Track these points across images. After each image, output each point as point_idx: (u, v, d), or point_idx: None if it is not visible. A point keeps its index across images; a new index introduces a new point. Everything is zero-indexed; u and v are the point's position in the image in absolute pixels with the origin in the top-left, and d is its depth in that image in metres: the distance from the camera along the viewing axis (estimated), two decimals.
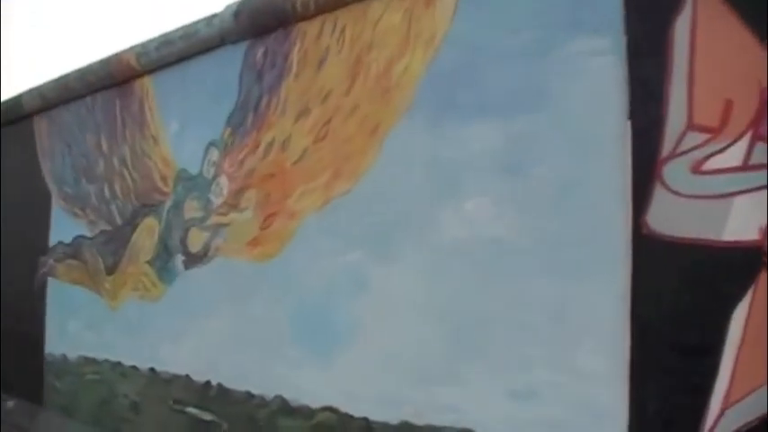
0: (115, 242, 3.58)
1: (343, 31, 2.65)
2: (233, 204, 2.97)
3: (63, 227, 3.96)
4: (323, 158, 2.66)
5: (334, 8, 2.68)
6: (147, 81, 3.47)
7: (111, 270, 3.60)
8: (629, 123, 1.94)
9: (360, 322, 2.51)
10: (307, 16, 2.75)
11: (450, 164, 2.32)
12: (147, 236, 3.40)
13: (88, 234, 3.78)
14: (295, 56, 2.80)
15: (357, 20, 2.61)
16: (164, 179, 3.34)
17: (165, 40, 3.28)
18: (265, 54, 2.92)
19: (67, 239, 3.91)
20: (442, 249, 2.31)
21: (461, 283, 2.26)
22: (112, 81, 3.62)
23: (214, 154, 3.08)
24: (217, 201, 3.05)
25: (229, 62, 3.06)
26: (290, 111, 2.80)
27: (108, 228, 3.65)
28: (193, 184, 3.17)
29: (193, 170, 3.19)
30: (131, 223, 3.50)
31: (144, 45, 3.40)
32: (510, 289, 2.15)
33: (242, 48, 3.02)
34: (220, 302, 3.00)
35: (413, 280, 2.37)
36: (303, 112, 2.75)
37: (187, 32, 3.18)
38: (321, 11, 2.71)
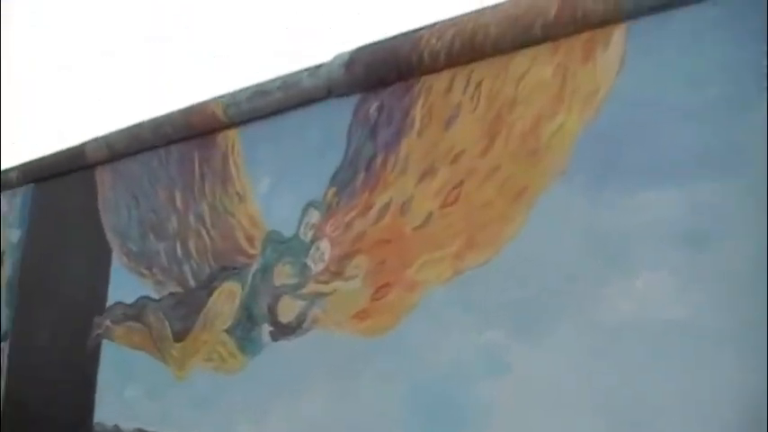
0: (186, 306, 3.30)
1: (478, 86, 2.44)
2: (336, 272, 2.71)
3: (123, 286, 3.68)
4: (452, 225, 2.41)
5: (468, 61, 2.47)
6: (234, 134, 3.24)
7: (180, 336, 3.31)
8: None
9: (495, 409, 2.23)
10: (434, 69, 2.55)
11: (615, 234, 2.07)
12: (225, 301, 3.12)
13: (154, 296, 3.49)
14: (418, 111, 2.58)
15: (497, 74, 2.40)
16: (249, 240, 3.08)
17: (260, 91, 3.07)
18: (380, 109, 2.70)
19: (129, 300, 3.62)
20: (606, 330, 2.04)
21: (629, 369, 1.99)
22: (191, 132, 3.40)
23: (314, 215, 2.83)
24: (316, 267, 2.78)
25: (335, 116, 2.84)
26: (411, 171, 2.56)
27: (179, 290, 3.37)
28: (287, 247, 2.90)
29: (287, 232, 2.93)
30: (207, 287, 3.22)
31: (233, 95, 3.19)
32: (694, 377, 1.89)
33: (351, 101, 2.81)
34: (316, 379, 2.71)
35: (566, 364, 2.10)
36: (427, 173, 2.51)
37: (287, 83, 2.98)
38: (452, 64, 2.50)
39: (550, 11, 2.25)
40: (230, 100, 3.21)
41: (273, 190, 3.04)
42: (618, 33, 2.16)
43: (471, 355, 2.29)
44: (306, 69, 2.96)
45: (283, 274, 2.92)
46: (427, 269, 2.46)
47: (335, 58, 2.85)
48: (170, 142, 3.53)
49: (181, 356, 3.29)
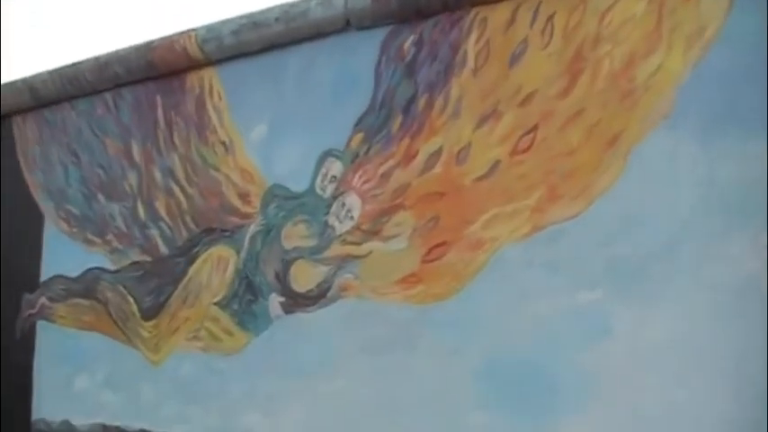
0: (157, 277, 2.86)
1: (549, 19, 2.21)
2: (371, 231, 2.41)
3: (63, 256, 3.15)
4: (527, 174, 2.18)
5: None
6: (211, 73, 2.82)
7: (151, 313, 2.87)
8: None
9: (596, 378, 2.05)
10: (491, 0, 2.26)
11: (736, 185, 1.92)
12: (214, 270, 2.73)
13: (110, 266, 3.00)
14: (471, 47, 2.32)
15: (574, 7, 2.18)
16: (243, 197, 2.69)
17: (251, 23, 2.68)
18: (418, 43, 2.41)
19: (73, 273, 3.10)
20: (731, 289, 1.89)
21: (760, 331, 1.83)
22: (151, 73, 2.91)
23: (335, 166, 2.50)
24: (342, 226, 2.46)
25: (355, 52, 2.54)
26: (466, 114, 2.30)
27: (145, 259, 2.91)
28: (298, 203, 2.56)
29: (296, 186, 2.58)
30: (186, 253, 2.80)
31: (212, 28, 2.77)
32: None
33: (376, 35, 2.49)
34: (350, 356, 2.42)
35: (684, 327, 1.97)
36: (489, 117, 2.27)
37: (289, 13, 2.61)
38: None
39: None
40: (208, 34, 2.77)
41: (272, 138, 2.66)
42: None
43: (562, 320, 2.10)
44: None
45: (295, 236, 2.57)
46: (497, 225, 2.22)
47: None
48: (120, 85, 3.00)
49: (154, 337, 2.85)
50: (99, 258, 3.03)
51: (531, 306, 2.14)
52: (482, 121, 2.28)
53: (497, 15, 2.29)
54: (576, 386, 2.05)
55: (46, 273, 3.19)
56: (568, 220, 2.12)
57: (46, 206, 3.23)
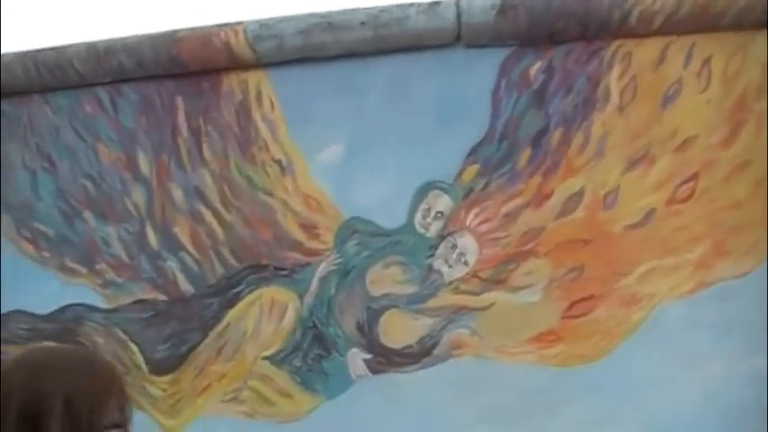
0: (177, 321, 2.37)
1: (706, 63, 2.13)
2: (494, 279, 2.19)
3: (27, 287, 2.47)
4: (688, 226, 2.10)
5: (690, 32, 2.09)
6: (259, 77, 2.39)
7: (166, 367, 2.38)
8: None
9: None
10: (639, 33, 2.19)
11: None
12: (264, 316, 2.28)
13: (101, 303, 2.36)
14: (614, 82, 2.19)
15: (732, 53, 2.18)
16: (308, 229, 2.31)
17: (326, 23, 2.29)
18: (548, 70, 2.21)
19: (40, 309, 2.41)
20: None
21: None
22: (172, 69, 2.39)
23: (440, 200, 2.22)
24: (452, 272, 2.20)
25: (465, 71, 2.32)
26: (612, 154, 2.18)
27: (156, 297, 2.37)
28: (390, 242, 2.25)
29: (387, 221, 2.29)
30: (221, 294, 2.35)
31: (268, 25, 2.33)
32: None
33: (490, 55, 2.21)
34: (466, 427, 2.12)
35: None
36: (640, 160, 2.17)
37: (379, 18, 2.25)
38: (668, 32, 2.16)
39: None
40: (264, 30, 2.33)
41: (350, 162, 2.34)
42: None
43: (734, 389, 1.94)
44: (412, 4, 2.25)
45: (387, 280, 2.25)
46: (655, 279, 2.11)
47: None
48: (119, 80, 2.40)
49: (171, 397, 2.34)
50: (83, 292, 2.42)
51: (699, 371, 1.98)
52: (632, 164, 2.16)
53: (644, 51, 2.20)
54: None
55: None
56: (738, 278, 2.01)
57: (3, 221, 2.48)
